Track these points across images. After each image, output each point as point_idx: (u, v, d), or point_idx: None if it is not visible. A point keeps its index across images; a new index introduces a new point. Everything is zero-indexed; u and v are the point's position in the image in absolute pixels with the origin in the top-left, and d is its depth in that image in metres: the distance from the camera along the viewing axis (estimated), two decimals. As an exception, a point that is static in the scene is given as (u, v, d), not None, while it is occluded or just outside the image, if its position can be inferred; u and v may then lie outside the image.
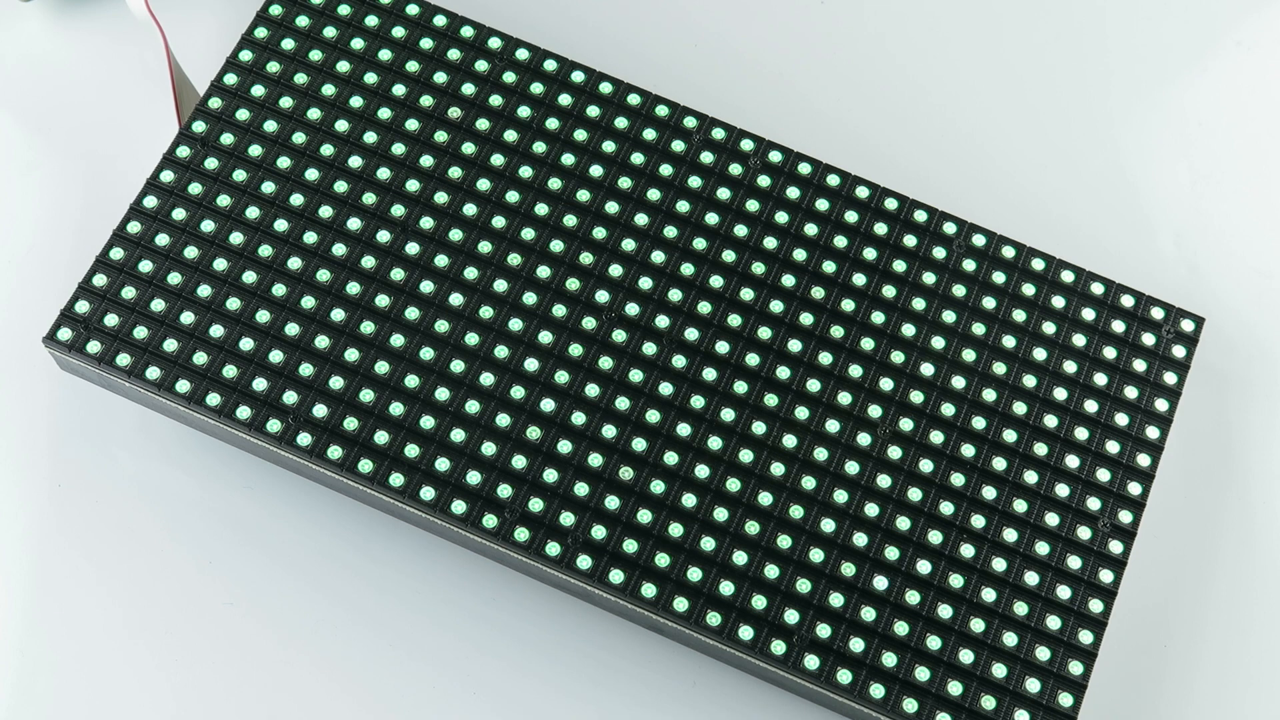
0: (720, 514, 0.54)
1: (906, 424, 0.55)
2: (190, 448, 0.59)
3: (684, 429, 0.55)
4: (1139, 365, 0.57)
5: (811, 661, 0.52)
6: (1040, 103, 0.66)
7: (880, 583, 0.53)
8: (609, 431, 0.55)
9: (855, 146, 0.64)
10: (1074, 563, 0.54)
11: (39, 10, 0.66)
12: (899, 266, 0.58)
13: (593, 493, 0.54)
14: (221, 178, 0.58)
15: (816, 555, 0.53)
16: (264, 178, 0.58)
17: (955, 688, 0.52)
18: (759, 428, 0.55)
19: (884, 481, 0.55)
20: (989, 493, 0.55)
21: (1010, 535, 0.54)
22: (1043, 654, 0.53)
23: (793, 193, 0.59)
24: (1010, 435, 0.56)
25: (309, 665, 0.56)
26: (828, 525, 0.54)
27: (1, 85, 0.65)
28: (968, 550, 0.54)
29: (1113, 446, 0.56)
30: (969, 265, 0.58)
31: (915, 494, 0.55)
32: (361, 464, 0.54)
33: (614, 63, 0.64)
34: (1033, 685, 0.52)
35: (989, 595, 0.53)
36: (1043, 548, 0.54)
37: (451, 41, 0.60)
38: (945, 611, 0.53)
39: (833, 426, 0.55)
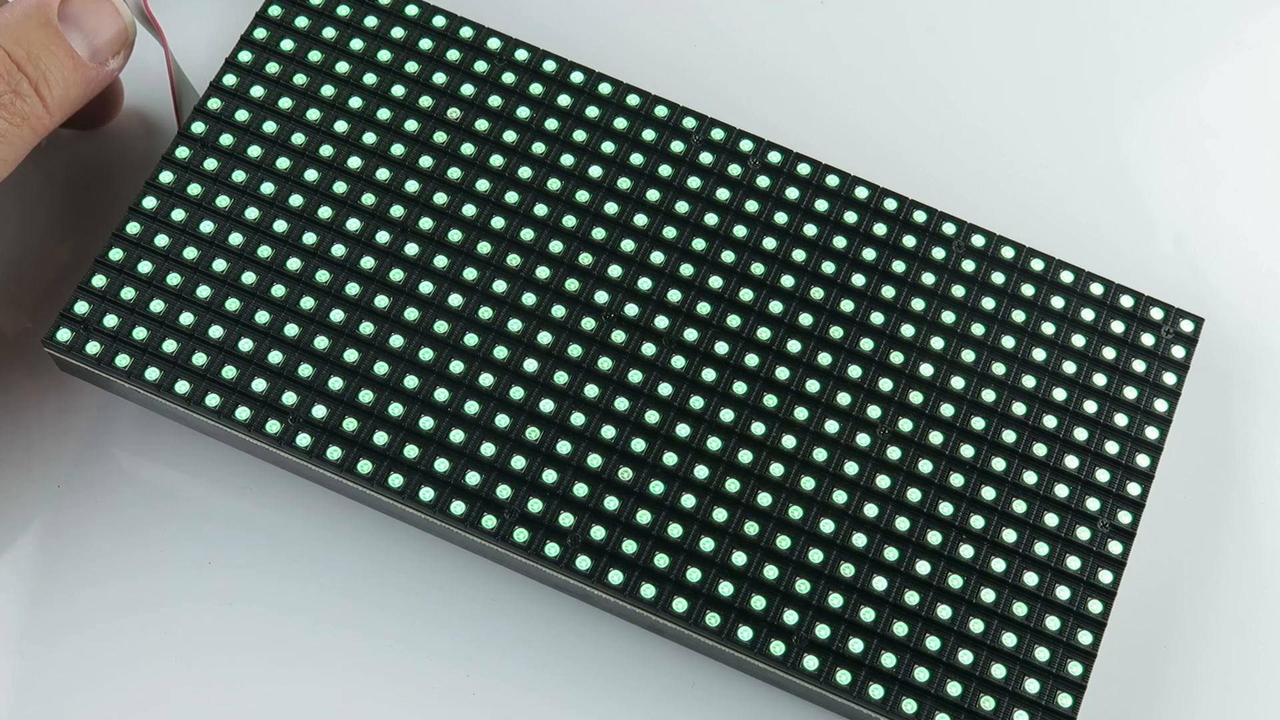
0: (719, 514, 0.54)
1: (906, 424, 0.55)
2: (190, 448, 0.59)
3: (683, 429, 0.55)
4: (1138, 366, 0.57)
5: (811, 662, 0.52)
6: (1040, 102, 0.66)
7: (879, 583, 0.53)
8: (608, 432, 0.55)
9: (855, 146, 0.64)
10: (1073, 563, 0.54)
11: (39, 10, 0.66)
12: (898, 267, 0.58)
13: (592, 493, 0.54)
14: (221, 178, 0.58)
15: (816, 556, 0.53)
16: (263, 178, 0.58)
17: (954, 688, 0.52)
18: (758, 428, 0.55)
19: (883, 482, 0.55)
20: (988, 493, 0.55)
21: (1009, 536, 0.54)
22: (1042, 654, 0.53)
23: (792, 193, 0.59)
24: (1009, 436, 0.56)
25: (309, 665, 0.56)
26: (827, 526, 0.54)
27: (2, 86, 0.65)
28: (967, 551, 0.54)
29: (1112, 447, 0.56)
30: (968, 266, 0.58)
31: (914, 494, 0.54)
32: (361, 465, 0.54)
33: (613, 62, 0.64)
34: (1032, 686, 0.52)
35: (988, 596, 0.53)
36: (1042, 548, 0.54)
37: (450, 42, 0.60)
38: (944, 612, 0.53)
39: (832, 427, 0.55)
